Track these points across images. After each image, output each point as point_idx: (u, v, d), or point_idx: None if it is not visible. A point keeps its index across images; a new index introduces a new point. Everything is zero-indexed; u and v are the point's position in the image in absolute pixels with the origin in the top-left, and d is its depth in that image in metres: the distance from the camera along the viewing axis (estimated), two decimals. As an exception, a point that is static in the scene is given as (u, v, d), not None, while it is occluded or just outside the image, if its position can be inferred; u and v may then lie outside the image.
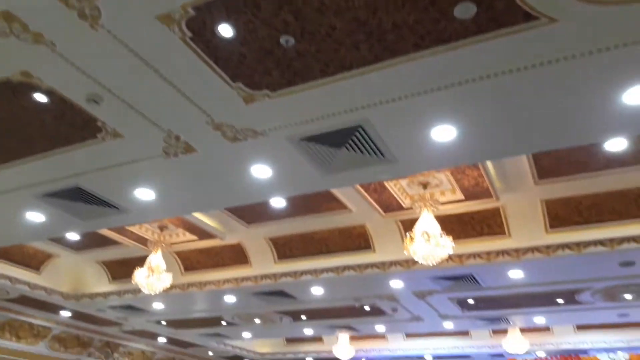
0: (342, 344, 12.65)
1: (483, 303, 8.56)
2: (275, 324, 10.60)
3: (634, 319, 9.14)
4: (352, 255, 7.59)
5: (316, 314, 9.89)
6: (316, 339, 13.95)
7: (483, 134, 3.95)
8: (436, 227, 5.78)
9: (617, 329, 11.37)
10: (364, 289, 8.17)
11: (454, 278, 7.38)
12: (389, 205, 6.57)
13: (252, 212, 7.10)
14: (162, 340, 12.86)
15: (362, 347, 13.66)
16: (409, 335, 13.17)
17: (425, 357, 13.58)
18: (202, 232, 7.59)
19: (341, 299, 8.78)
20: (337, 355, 12.57)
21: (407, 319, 9.79)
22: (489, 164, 5.59)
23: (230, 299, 8.96)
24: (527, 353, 12.22)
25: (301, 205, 6.80)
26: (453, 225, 6.75)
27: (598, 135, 4.07)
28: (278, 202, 6.70)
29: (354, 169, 4.55)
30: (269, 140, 4.05)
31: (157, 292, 7.30)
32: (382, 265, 7.35)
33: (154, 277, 7.16)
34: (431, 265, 5.87)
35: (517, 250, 6.63)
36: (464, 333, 12.52)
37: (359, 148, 4.17)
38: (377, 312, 9.46)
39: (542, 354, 12.30)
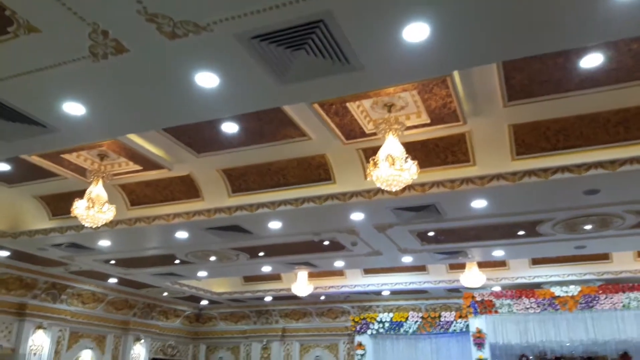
0: (300, 281, 12.48)
1: (443, 235, 8.40)
2: (232, 262, 10.25)
3: (590, 250, 9.21)
4: (311, 187, 7.18)
5: (274, 250, 9.57)
6: (274, 276, 13.77)
7: (460, 35, 3.50)
8: (400, 150, 5.39)
9: (570, 262, 11.61)
10: (324, 223, 7.84)
11: (416, 209, 7.11)
12: (351, 131, 6.13)
13: (202, 140, 6.54)
14: (113, 281, 12.36)
15: (321, 284, 13.58)
16: (367, 272, 13.14)
17: (383, 292, 13.64)
18: (147, 162, 6.98)
19: (300, 234, 8.44)
20: (296, 293, 12.42)
21: (366, 253, 9.60)
22: (458, 82, 5.18)
23: (182, 235, 8.48)
24: (483, 287, 12.39)
25: (256, 132, 6.28)
26: (417, 153, 6.38)
27: (580, 38, 3.69)
28: (230, 128, 6.16)
29: (314, 79, 4.04)
30: (214, 38, 3.47)
31: (100, 226, 6.73)
32: (342, 196, 6.98)
33: (95, 209, 6.57)
34: (394, 191, 5.51)
35: (482, 178, 6.36)
36: (421, 268, 12.56)
37: (319, 51, 3.66)
38: (336, 247, 9.21)
39: (497, 288, 12.50)
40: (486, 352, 11.90)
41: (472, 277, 10.99)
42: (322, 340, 15.23)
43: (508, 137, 6.09)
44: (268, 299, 14.92)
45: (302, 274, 12.57)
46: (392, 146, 5.43)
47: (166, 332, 15.55)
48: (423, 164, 6.47)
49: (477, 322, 12.16)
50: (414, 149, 6.29)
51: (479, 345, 11.92)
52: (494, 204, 6.85)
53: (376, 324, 13.43)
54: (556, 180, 6.09)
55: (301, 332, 15.50)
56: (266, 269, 11.07)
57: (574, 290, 11.65)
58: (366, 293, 13.85)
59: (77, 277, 11.88)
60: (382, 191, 6.76)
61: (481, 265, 11.78)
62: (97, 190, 6.80)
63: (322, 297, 14.49)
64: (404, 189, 6.67)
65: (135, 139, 6.47)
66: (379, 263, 10.46)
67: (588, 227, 7.72)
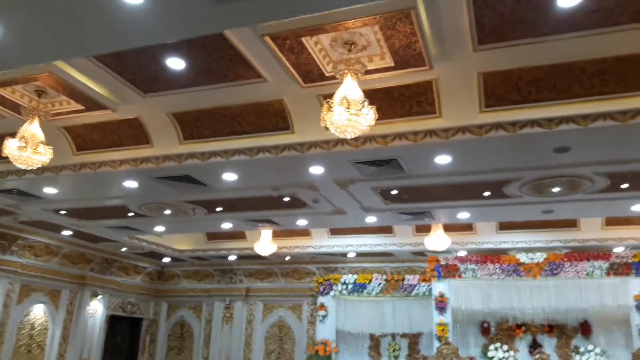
0: (263, 240, 12.11)
1: (407, 194, 8.06)
2: (189, 217, 9.80)
3: (557, 216, 8.98)
4: (268, 137, 6.70)
5: (232, 206, 9.13)
6: (239, 235, 13.39)
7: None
8: (358, 94, 4.92)
9: (538, 229, 11.45)
10: (282, 176, 7.39)
11: (377, 163, 6.71)
12: (309, 72, 5.62)
13: (147, 78, 5.96)
14: (67, 233, 11.81)
15: (286, 244, 13.26)
16: (333, 232, 12.84)
17: (349, 254, 13.39)
18: (88, 101, 6.37)
19: (258, 188, 8.00)
20: (258, 252, 12.06)
21: (329, 211, 9.23)
22: (423, 17, 4.70)
23: (131, 184, 7.97)
24: (448, 252, 12.20)
25: (205, 70, 5.73)
26: (381, 102, 5.93)
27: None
28: (176, 64, 5.60)
29: (252, -4, 3.52)
30: None
31: (34, 168, 6.18)
32: (300, 147, 6.53)
33: (29, 149, 6.00)
34: (349, 138, 5.07)
35: (446, 131, 5.96)
36: (387, 230, 12.29)
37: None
38: (297, 203, 8.81)
39: (463, 253, 12.32)
40: (448, 317, 11.80)
41: (437, 240, 10.74)
42: (285, 301, 15.00)
43: (477, 86, 5.68)
44: (232, 258, 14.56)
45: (266, 233, 12.18)
46: (349, 89, 4.96)
47: (126, 289, 15.12)
48: (386, 115, 6.07)
49: (440, 286, 12.00)
50: (377, 98, 5.84)
51: (441, 309, 11.80)
52: (459, 160, 6.48)
53: (339, 285, 13.21)
54: (525, 135, 5.73)
55: (265, 292, 15.24)
56: (226, 225, 10.65)
57: (539, 257, 11.53)
58: (332, 254, 13.59)
59: (27, 227, 11.30)
60: (342, 142, 6.34)
61: (448, 229, 11.54)
62: (32, 129, 6.22)
63: (287, 258, 14.18)
64: (364, 141, 6.27)
65: (74, 73, 5.88)
66: (344, 222, 10.12)
67: (556, 189, 7.44)
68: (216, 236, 13.88)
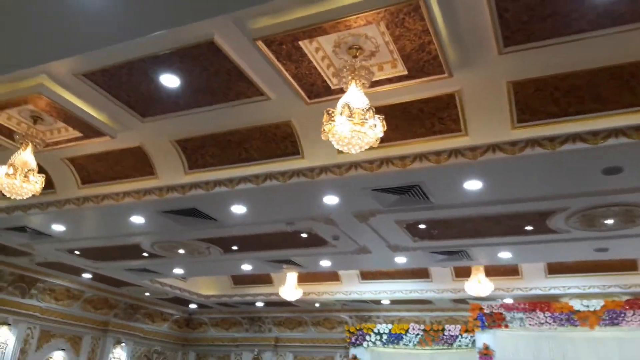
0: (289, 283, 11.36)
1: (437, 229, 7.20)
2: (205, 256, 9.20)
3: (613, 255, 7.84)
4: (276, 163, 6.11)
5: (248, 244, 8.49)
6: (264, 279, 12.69)
7: None
8: (364, 101, 4.27)
9: (592, 272, 10.24)
10: (294, 207, 6.73)
11: (397, 190, 5.95)
12: (313, 86, 5.00)
13: (143, 98, 5.49)
14: (87, 276, 11.43)
15: (314, 289, 12.44)
16: (364, 277, 11.97)
17: (383, 301, 12.40)
18: (84, 126, 5.95)
19: (271, 222, 7.34)
20: (283, 296, 11.30)
21: (353, 250, 8.44)
22: (436, 13, 4.05)
23: (137, 219, 7.48)
24: (493, 299, 11.08)
25: (203, 87, 5.23)
26: (398, 121, 5.29)
27: None
28: (170, 81, 5.13)
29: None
30: None
31: (24, 197, 5.75)
32: (310, 172, 5.88)
33: (18, 177, 5.61)
34: (355, 152, 4.38)
35: (473, 150, 5.19)
36: (424, 274, 11.32)
37: None
38: (316, 241, 8.08)
39: (509, 300, 11.14)
40: (494, 372, 10.53)
41: (477, 284, 9.70)
42: (317, 352, 14.01)
43: (507, 98, 4.92)
44: (259, 304, 13.80)
45: (291, 276, 11.45)
46: (353, 96, 4.32)
47: (152, 337, 14.54)
48: (405, 135, 5.39)
49: (484, 337, 10.80)
50: (393, 116, 5.19)
51: (486, 363, 10.56)
52: (491, 186, 5.65)
53: (373, 335, 12.16)
54: (566, 153, 4.90)
55: (295, 342, 14.32)
56: (246, 267, 9.97)
57: (596, 304, 10.23)
58: (364, 301, 12.63)
59: (46, 269, 11.00)
60: (356, 166, 5.66)
61: (491, 273, 10.50)
62: (24, 156, 5.84)
63: (317, 305, 13.30)
64: (380, 164, 5.56)
65: (66, 95, 5.48)
66: (371, 263, 9.28)
67: (609, 221, 6.44)
68: (242, 281, 13.23)
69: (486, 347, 10.64)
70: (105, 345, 13.05)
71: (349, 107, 4.15)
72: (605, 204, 6.00)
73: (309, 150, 5.86)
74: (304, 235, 7.81)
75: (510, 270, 10.80)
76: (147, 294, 13.05)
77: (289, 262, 9.44)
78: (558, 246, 7.55)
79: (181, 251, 8.89)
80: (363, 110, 4.18)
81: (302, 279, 12.35)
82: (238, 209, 6.85)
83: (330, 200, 6.35)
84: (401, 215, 6.79)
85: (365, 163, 5.59)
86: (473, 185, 5.67)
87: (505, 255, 8.12)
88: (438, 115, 5.24)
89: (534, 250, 7.84)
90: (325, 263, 9.36)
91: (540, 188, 5.67)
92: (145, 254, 9.32)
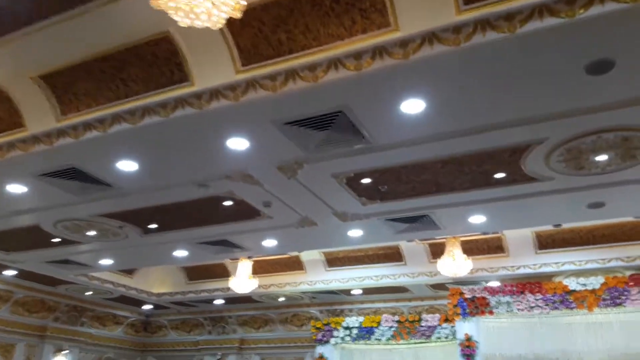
0: (240, 274, 9.85)
1: (385, 183, 5.69)
2: (123, 239, 7.69)
3: (611, 212, 6.30)
4: (161, 94, 4.63)
5: (165, 219, 6.97)
6: (220, 272, 11.19)
7: None
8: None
9: (588, 245, 8.74)
10: (195, 158, 5.22)
11: (317, 122, 4.46)
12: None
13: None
14: (9, 273, 9.91)
15: (274, 281, 10.94)
16: (330, 263, 10.47)
17: (353, 291, 10.89)
18: None
19: (176, 184, 5.82)
20: (234, 288, 9.79)
21: (294, 223, 6.94)
22: None
23: (15, 188, 5.98)
24: (475, 282, 9.59)
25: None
26: (307, 20, 3.84)
27: None
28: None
29: None
30: None
31: None
32: (195, 99, 4.41)
33: None
34: (204, 24, 2.90)
35: (404, 44, 3.71)
36: (396, 257, 9.83)
37: None
38: (246, 210, 6.59)
39: (495, 284, 9.62)
40: (478, 366, 9.00)
41: (452, 262, 8.18)
42: (285, 353, 12.46)
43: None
44: (219, 301, 12.25)
45: (244, 265, 9.94)
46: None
47: (102, 342, 12.99)
48: (318, 37, 3.94)
49: (465, 327, 9.27)
50: (301, 12, 3.76)
51: (469, 357, 9.02)
52: (436, 104, 4.15)
53: (342, 330, 10.62)
54: (528, 35, 3.41)
55: (262, 344, 12.77)
56: (181, 253, 8.45)
57: (594, 282, 8.70)
58: (333, 292, 11.10)
59: (-41, 267, 9.50)
60: (254, 84, 4.17)
61: (473, 252, 9.04)
62: None
63: (281, 299, 11.77)
64: (285, 80, 4.08)
65: None
66: (321, 240, 7.77)
67: (602, 157, 4.94)
68: (196, 275, 11.74)
69: (468, 338, 9.11)
70: (43, 353, 11.50)
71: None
72: (595, 129, 4.50)
73: (200, 73, 4.38)
74: (227, 203, 6.32)
75: (494, 248, 9.29)
76: (88, 293, 11.50)
77: (227, 244, 7.92)
78: (541, 203, 6.05)
79: (91, 233, 7.38)
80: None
81: (262, 269, 10.87)
82: (127, 166, 5.36)
83: (237, 143, 4.86)
84: (335, 165, 5.29)
85: (266, 80, 4.12)
86: (413, 106, 4.17)
87: (477, 219, 6.60)
88: (359, 7, 3.77)
89: (511, 210, 6.33)
90: (269, 243, 7.84)
91: (502, 105, 4.17)
92: (55, 240, 7.81)
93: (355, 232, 7.25)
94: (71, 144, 5.00)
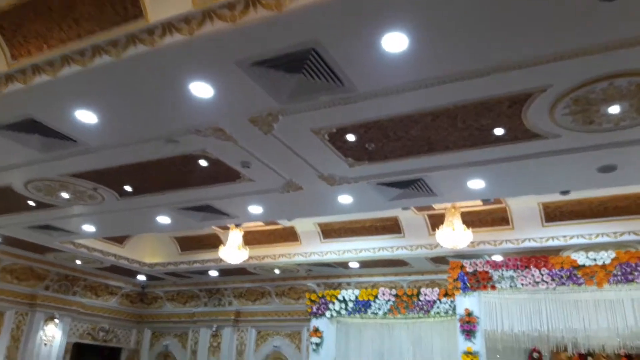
0: (230, 243, 9.44)
1: (372, 140, 5.14)
2: (100, 203, 7.27)
3: (624, 177, 5.67)
4: (112, 32, 4.10)
5: (139, 181, 6.51)
6: (214, 242, 10.79)
7: None
8: None
9: (599, 217, 8.17)
10: (157, 108, 4.70)
11: (284, 60, 3.90)
12: None
13: None
14: (-7, 238, 9.62)
15: (269, 252, 10.53)
16: (326, 235, 10.01)
17: (350, 264, 10.45)
18: None
19: (143, 140, 5.31)
20: (224, 258, 9.40)
21: (279, 187, 6.44)
22: None
23: (-29, 141, 5.56)
24: (478, 255, 9.07)
25: None
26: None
27: None
28: None
29: None
30: None
31: None
32: (147, 35, 3.88)
33: None
34: None
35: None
36: (395, 229, 9.36)
37: None
38: (225, 172, 6.10)
39: (498, 257, 9.09)
40: (478, 344, 8.51)
41: (452, 233, 7.66)
42: (282, 327, 12.14)
43: None
44: (213, 273, 11.92)
45: (235, 235, 9.53)
46: None
47: (96, 312, 12.76)
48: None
49: (466, 302, 8.77)
50: None
51: (468, 333, 8.54)
52: (417, 36, 3.56)
53: (337, 303, 10.18)
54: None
55: (258, 316, 12.46)
56: (164, 220, 8.01)
57: (605, 256, 8.13)
58: (330, 265, 10.69)
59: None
60: (210, 15, 3.63)
61: (475, 224, 8.52)
62: None
63: (277, 271, 11.37)
64: (246, 6, 3.53)
65: None
66: (309, 207, 7.24)
67: (614, 109, 4.34)
68: (189, 246, 11.40)
69: (469, 314, 8.62)
70: (33, 321, 11.28)
71: None
72: (605, 74, 3.90)
73: (153, 7, 3.85)
74: (203, 163, 5.83)
75: (498, 220, 8.76)
76: (78, 262, 11.19)
77: (211, 210, 7.46)
78: (546, 165, 5.46)
79: (65, 195, 6.96)
80: None
81: (256, 240, 10.49)
82: (85, 117, 4.88)
83: (201, 90, 4.33)
84: (314, 118, 4.75)
85: (224, 9, 3.57)
86: (395, 43, 3.60)
87: (476, 184, 6.03)
88: None
89: (513, 174, 5.75)
90: (255, 209, 7.37)
91: (498, 42, 3.57)
92: (31, 203, 7.42)
93: (345, 198, 6.74)
94: (21, 90, 4.53)
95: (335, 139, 5.16)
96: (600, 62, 3.75)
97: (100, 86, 4.41)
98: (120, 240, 11.01)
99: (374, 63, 3.86)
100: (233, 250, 9.33)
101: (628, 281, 7.91)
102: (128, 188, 6.72)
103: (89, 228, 8.62)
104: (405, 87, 4.17)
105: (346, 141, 5.19)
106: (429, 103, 4.42)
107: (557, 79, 3.98)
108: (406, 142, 5.18)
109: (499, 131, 4.85)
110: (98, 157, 5.79)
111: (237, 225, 9.29)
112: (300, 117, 4.75)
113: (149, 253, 11.78)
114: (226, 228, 9.98)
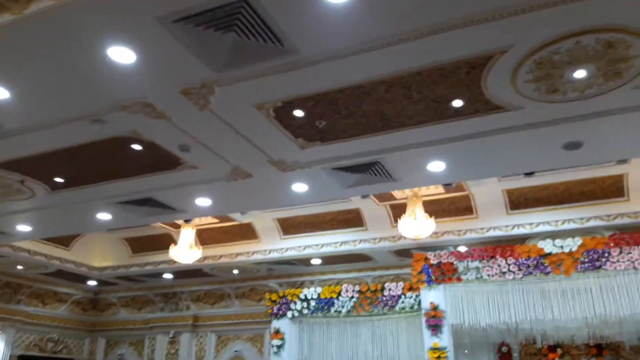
0: (182, 242, 8.85)
1: (322, 117, 4.68)
2: (30, 197, 6.61)
3: (589, 154, 5.35)
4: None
5: (70, 170, 5.89)
6: (167, 242, 10.13)
7: None
8: None
9: (565, 203, 7.93)
10: (71, 77, 4.12)
11: (210, 17, 3.41)
12: None
13: None
14: None
15: (225, 251, 9.97)
16: (286, 231, 9.55)
17: (313, 260, 9.97)
18: None
19: (65, 120, 4.71)
20: (175, 258, 8.81)
21: (226, 174, 5.92)
22: None
23: None
24: (442, 247, 8.72)
25: None
26: None
27: None
28: None
29: None
30: None
31: None
32: (50, -14, 3.33)
33: None
34: None
35: None
36: (357, 222, 8.96)
37: None
38: (163, 158, 5.55)
39: (463, 248, 8.75)
40: (445, 339, 8.14)
41: (413, 222, 7.27)
42: (243, 330, 11.55)
43: None
44: (168, 275, 11.27)
45: (186, 233, 8.95)
46: None
47: (44, 322, 11.93)
48: None
49: (431, 295, 8.40)
50: None
51: (434, 328, 8.17)
52: (365, -15, 3.14)
53: (299, 302, 9.69)
54: None
55: (217, 320, 11.83)
56: (104, 217, 7.36)
57: (572, 243, 7.87)
58: (290, 262, 10.19)
59: None
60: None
61: (439, 214, 8.16)
62: None
63: (235, 271, 10.81)
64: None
65: None
66: (262, 197, 6.73)
67: (580, 74, 3.98)
68: (140, 247, 10.75)
69: (434, 308, 8.25)
70: (-30, 334, 10.44)
71: None
72: (571, 30, 3.53)
73: (59, -43, 3.30)
74: (136, 147, 5.26)
75: (462, 209, 8.45)
76: (19, 267, 10.40)
77: (154, 204, 6.87)
78: (509, 143, 5.11)
79: (-12, 190, 6.29)
80: None
81: (212, 239, 9.93)
82: (-5, 92, 4.28)
83: (121, 55, 3.78)
84: (255, 89, 4.25)
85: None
86: (335, -11, 3.16)
87: (436, 166, 5.62)
88: None
89: (475, 153, 5.37)
90: (203, 202, 6.81)
91: (454, -10, 3.16)
92: (-48, 201, 6.71)
93: (299, 187, 6.26)
94: None
95: (282, 115, 4.68)
96: (565, 16, 3.38)
97: (4, 51, 3.82)
98: (65, 242, 10.28)
99: (315, 16, 3.39)
100: (185, 250, 8.76)
101: (596, 268, 7.66)
102: (59, 179, 6.09)
103: (24, 228, 7.90)
104: (353, 48, 3.72)
105: (294, 117, 4.72)
106: (381, 70, 3.99)
107: (518, 36, 3.59)
108: (359, 119, 4.74)
109: (457, 103, 4.45)
110: (19, 142, 5.17)
111: (187, 222, 8.72)
112: (239, 89, 4.25)
113: (98, 256, 11.07)
114: (178, 226, 9.39)
